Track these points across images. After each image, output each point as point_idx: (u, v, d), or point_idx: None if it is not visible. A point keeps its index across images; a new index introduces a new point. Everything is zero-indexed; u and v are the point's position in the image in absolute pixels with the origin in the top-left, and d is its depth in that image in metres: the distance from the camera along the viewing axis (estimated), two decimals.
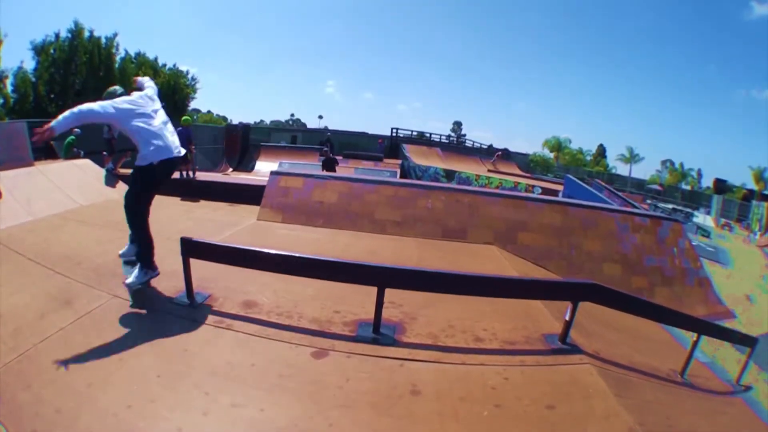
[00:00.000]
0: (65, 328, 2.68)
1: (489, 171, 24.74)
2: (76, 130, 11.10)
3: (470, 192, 6.68)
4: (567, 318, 2.81)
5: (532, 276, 4.78)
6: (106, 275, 3.52)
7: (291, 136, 33.49)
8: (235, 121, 33.56)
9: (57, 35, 21.75)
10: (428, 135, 34.92)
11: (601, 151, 55.10)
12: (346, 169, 17.77)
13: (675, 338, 4.13)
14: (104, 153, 10.03)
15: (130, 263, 3.53)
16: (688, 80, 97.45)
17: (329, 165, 13.97)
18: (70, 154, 10.46)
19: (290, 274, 3.00)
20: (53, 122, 2.84)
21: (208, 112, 61.43)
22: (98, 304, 3.01)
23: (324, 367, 2.44)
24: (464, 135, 59.32)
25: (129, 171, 8.58)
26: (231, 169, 22.12)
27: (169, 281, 3.40)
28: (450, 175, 21.61)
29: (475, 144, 36.32)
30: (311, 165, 19.10)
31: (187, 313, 2.93)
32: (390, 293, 2.80)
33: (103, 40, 23.11)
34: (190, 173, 10.17)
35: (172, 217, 6.04)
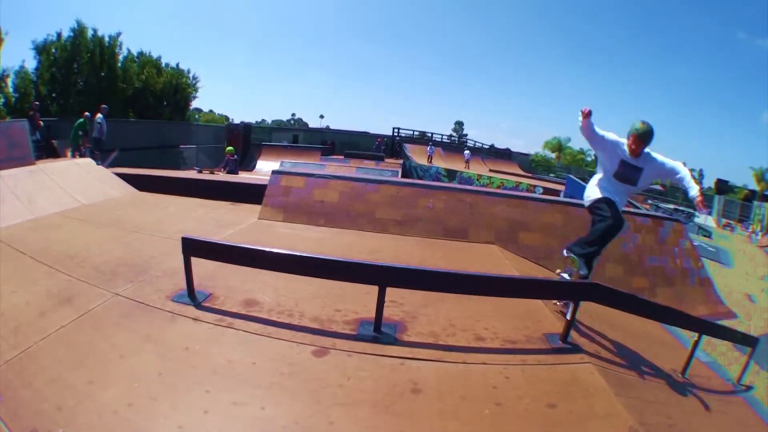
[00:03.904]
0: (66, 326, 2.69)
1: (489, 170, 24.71)
2: (86, 113, 11.38)
3: (472, 191, 6.66)
4: (568, 317, 2.81)
5: (534, 275, 4.78)
6: (107, 274, 3.53)
7: (292, 136, 33.53)
8: (237, 121, 33.62)
9: (59, 35, 21.75)
10: (429, 134, 34.87)
11: None
12: (347, 168, 17.78)
13: (676, 338, 4.12)
14: (95, 151, 10.27)
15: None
16: (690, 81, 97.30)
17: None
18: (78, 140, 10.66)
19: (291, 273, 2.99)
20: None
21: (210, 111, 61.58)
22: (99, 302, 3.02)
23: (325, 366, 2.44)
24: (466, 135, 59.36)
25: (124, 170, 8.70)
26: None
27: (170, 280, 3.40)
28: (451, 174, 21.63)
29: (477, 144, 36.32)
30: (313, 164, 19.11)
31: (188, 311, 2.93)
32: (391, 292, 2.80)
33: (107, 39, 23.10)
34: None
35: (173, 216, 6.05)
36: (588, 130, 3.33)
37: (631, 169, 3.34)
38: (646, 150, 3.31)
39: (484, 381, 2.39)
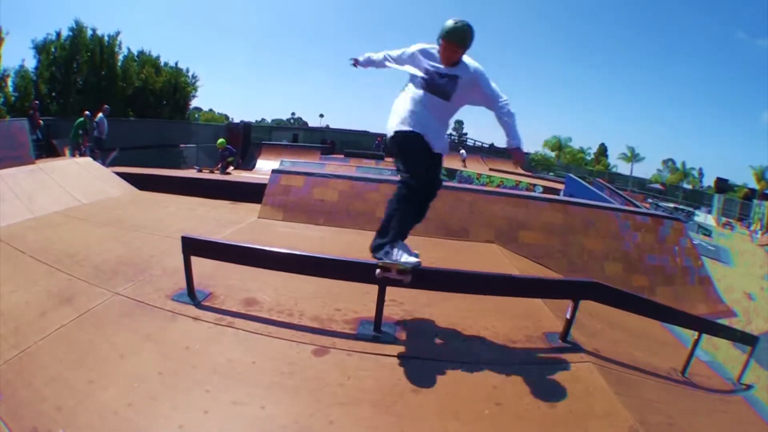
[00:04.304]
0: (66, 326, 2.69)
1: (490, 169, 24.67)
2: (86, 112, 11.41)
3: (471, 191, 6.66)
4: (568, 316, 2.80)
5: (533, 274, 4.77)
6: (107, 273, 3.52)
7: (292, 135, 33.53)
8: (237, 120, 33.61)
9: (58, 34, 21.73)
10: None
11: (603, 150, 55.05)
12: (347, 167, 17.78)
13: (676, 337, 4.12)
14: (95, 150, 10.32)
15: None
16: (690, 81, 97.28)
17: None
18: (78, 139, 10.71)
19: (291, 272, 2.99)
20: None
21: (210, 110, 61.56)
22: (99, 301, 3.02)
23: (325, 365, 2.44)
24: (466, 134, 59.37)
25: (124, 169, 8.71)
26: (232, 168, 22.13)
27: (170, 279, 3.40)
28: (451, 173, 21.63)
29: (477, 143, 36.30)
30: (313, 163, 19.11)
31: (188, 310, 2.92)
32: (391, 291, 2.80)
33: (106, 39, 23.07)
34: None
35: (173, 215, 6.05)
36: (382, 63, 2.75)
37: (444, 77, 2.63)
38: (467, 60, 2.68)
39: (484, 381, 2.39)
